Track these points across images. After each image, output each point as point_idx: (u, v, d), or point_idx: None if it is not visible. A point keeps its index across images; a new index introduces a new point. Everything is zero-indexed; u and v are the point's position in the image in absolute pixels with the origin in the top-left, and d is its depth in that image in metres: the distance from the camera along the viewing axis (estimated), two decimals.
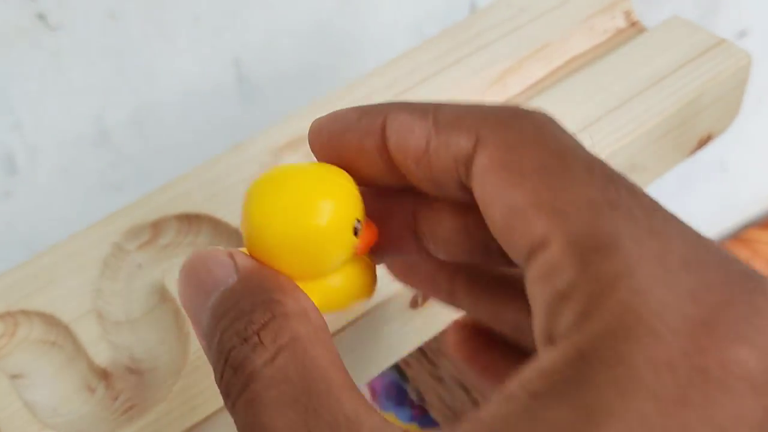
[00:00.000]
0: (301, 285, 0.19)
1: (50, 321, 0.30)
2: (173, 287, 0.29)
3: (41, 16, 0.46)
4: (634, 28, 0.36)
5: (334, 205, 0.18)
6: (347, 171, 0.20)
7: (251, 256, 0.19)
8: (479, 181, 0.18)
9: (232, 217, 0.31)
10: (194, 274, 0.19)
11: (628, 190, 0.17)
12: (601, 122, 0.31)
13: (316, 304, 0.19)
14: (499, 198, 0.17)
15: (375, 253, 0.21)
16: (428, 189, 0.20)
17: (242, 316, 0.18)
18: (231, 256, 0.19)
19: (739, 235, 1.19)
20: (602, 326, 0.15)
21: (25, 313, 0.30)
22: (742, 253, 1.17)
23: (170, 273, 0.30)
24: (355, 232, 0.19)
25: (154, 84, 0.51)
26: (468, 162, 0.18)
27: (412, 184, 0.20)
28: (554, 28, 0.35)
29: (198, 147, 0.56)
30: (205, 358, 0.26)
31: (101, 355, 0.28)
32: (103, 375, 0.28)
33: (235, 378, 0.17)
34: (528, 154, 0.17)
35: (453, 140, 0.18)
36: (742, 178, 1.11)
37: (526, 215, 0.17)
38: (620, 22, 0.35)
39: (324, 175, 0.19)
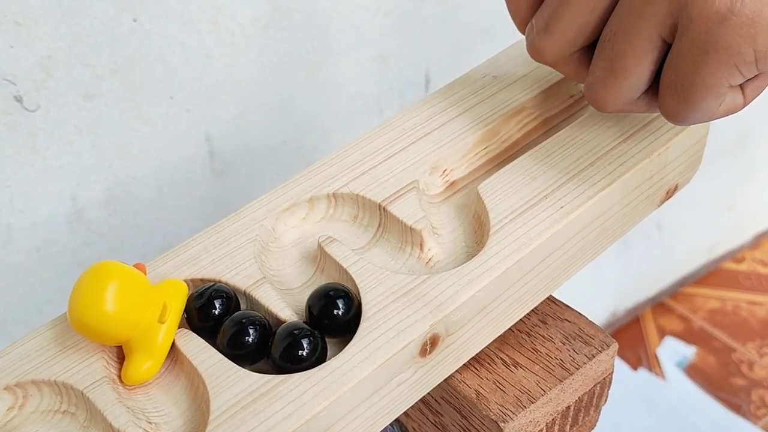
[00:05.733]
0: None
1: (62, 390, 0.30)
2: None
3: (18, 98, 0.47)
4: None
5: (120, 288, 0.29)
6: None
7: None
8: None
9: (238, 279, 0.32)
10: None
11: None
12: (580, 176, 0.33)
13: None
14: None
15: None
16: None
17: None
18: None
19: (678, 291, 1.23)
20: None
21: (36, 384, 0.30)
22: (682, 308, 1.22)
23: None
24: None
25: (128, 161, 0.52)
26: None
27: None
28: (526, 94, 0.37)
29: (170, 223, 0.56)
30: (225, 417, 0.27)
31: (119, 420, 0.28)
32: None
33: None
34: None
35: None
36: (676, 237, 1.17)
37: None
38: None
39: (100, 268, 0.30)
